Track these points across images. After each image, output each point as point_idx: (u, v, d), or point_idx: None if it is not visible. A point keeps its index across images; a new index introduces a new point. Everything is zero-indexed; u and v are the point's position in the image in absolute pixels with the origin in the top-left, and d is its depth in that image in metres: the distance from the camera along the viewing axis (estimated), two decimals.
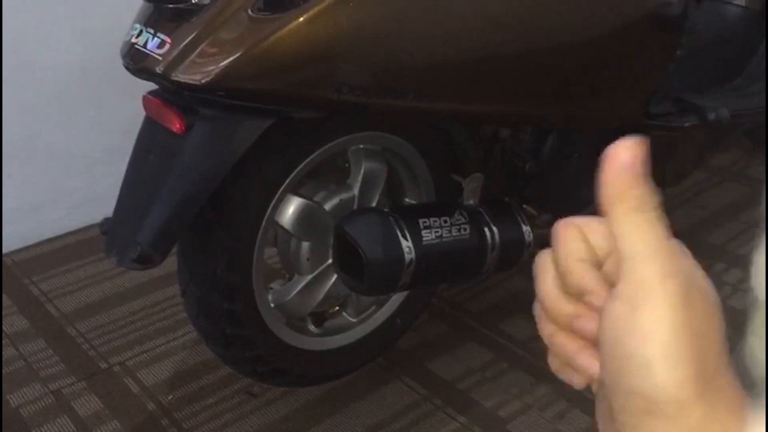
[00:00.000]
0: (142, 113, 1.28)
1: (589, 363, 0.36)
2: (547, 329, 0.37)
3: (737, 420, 0.31)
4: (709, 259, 1.99)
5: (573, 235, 0.36)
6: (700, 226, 2.15)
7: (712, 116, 1.61)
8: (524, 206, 1.53)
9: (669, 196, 2.24)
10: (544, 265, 0.37)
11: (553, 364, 0.38)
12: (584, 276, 0.35)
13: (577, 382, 0.36)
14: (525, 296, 1.93)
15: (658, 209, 0.33)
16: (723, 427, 0.31)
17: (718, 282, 1.91)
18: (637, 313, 0.32)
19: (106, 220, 1.29)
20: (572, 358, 0.36)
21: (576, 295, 0.36)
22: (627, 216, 0.33)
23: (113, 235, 1.26)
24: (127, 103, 1.52)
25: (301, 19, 1.13)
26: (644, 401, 0.32)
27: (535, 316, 0.38)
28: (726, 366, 0.32)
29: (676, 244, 0.33)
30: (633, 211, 0.33)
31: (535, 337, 0.40)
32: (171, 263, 1.44)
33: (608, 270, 0.36)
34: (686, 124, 1.60)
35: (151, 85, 1.25)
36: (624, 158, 0.33)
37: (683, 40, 1.59)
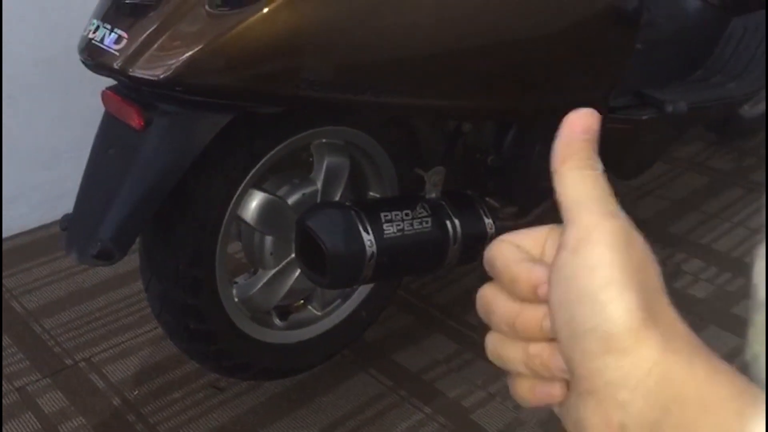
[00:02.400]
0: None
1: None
2: (518, 352, 0.36)
3: (703, 364, 0.31)
4: (670, 249, 2.03)
5: (505, 246, 0.37)
6: (661, 217, 2.19)
7: (669, 109, 1.64)
8: (486, 199, 1.55)
9: (631, 188, 2.27)
10: (487, 295, 0.38)
11: (522, 387, 0.37)
12: (532, 271, 0.36)
13: (557, 392, 0.35)
14: None
15: (603, 173, 0.35)
16: (688, 366, 0.31)
17: (678, 271, 1.95)
18: (580, 253, 0.33)
19: (66, 216, 1.29)
20: (550, 360, 0.35)
21: (531, 297, 0.36)
22: (574, 171, 0.35)
23: (73, 232, 1.25)
24: (93, 98, 1.51)
25: (260, 14, 1.14)
26: (600, 339, 0.32)
27: (494, 356, 0.38)
28: (673, 310, 0.33)
29: (615, 198, 0.35)
30: (580, 168, 0.35)
31: None
32: (135, 259, 1.44)
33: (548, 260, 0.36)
34: (644, 117, 1.64)
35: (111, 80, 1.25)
36: (579, 125, 0.36)
37: (643, 33, 1.61)
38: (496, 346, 0.38)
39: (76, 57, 1.24)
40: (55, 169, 2.12)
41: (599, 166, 0.35)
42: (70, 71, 1.93)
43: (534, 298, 0.35)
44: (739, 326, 1.74)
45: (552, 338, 0.35)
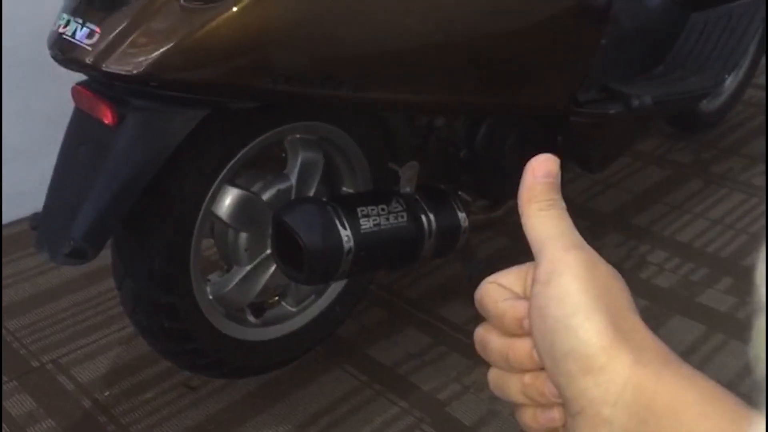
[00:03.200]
0: (70, 103, 1.25)
1: None
2: (516, 383, 0.39)
3: (671, 373, 0.33)
4: (634, 241, 2.07)
5: (491, 287, 0.40)
6: (625, 209, 2.23)
7: (635, 103, 1.67)
8: (459, 193, 1.56)
9: (595, 181, 2.31)
10: (481, 334, 0.40)
11: (526, 416, 0.39)
12: (516, 307, 0.39)
13: (557, 416, 0.38)
14: (461, 281, 1.97)
15: (565, 211, 0.39)
16: (658, 377, 0.33)
17: (642, 262, 1.99)
18: (551, 284, 0.36)
19: (36, 215, 1.26)
20: (543, 387, 0.38)
21: (519, 331, 0.39)
22: (539, 212, 0.38)
23: (44, 230, 1.22)
24: (54, 93, 1.47)
25: (235, 9, 1.13)
26: (578, 361, 0.34)
27: (497, 390, 0.40)
28: (643, 325, 0.36)
29: (578, 234, 0.38)
30: (543, 209, 0.38)
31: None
32: (102, 258, 1.41)
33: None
34: (611, 111, 1.67)
35: (78, 75, 1.22)
36: (541, 169, 0.39)
37: (608, 29, 1.64)
38: (497, 380, 0.40)
39: (35, 51, 1.21)
40: (15, 166, 2.06)
41: (562, 204, 0.39)
42: (29, 66, 1.88)
43: (521, 331, 0.38)
44: (703, 315, 1.79)
45: (542, 367, 0.37)
